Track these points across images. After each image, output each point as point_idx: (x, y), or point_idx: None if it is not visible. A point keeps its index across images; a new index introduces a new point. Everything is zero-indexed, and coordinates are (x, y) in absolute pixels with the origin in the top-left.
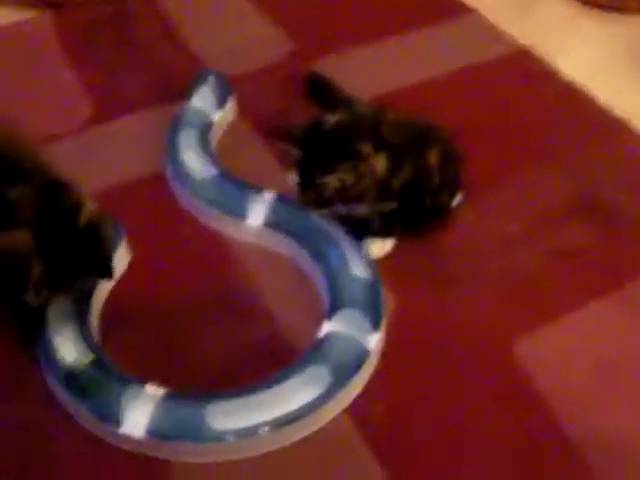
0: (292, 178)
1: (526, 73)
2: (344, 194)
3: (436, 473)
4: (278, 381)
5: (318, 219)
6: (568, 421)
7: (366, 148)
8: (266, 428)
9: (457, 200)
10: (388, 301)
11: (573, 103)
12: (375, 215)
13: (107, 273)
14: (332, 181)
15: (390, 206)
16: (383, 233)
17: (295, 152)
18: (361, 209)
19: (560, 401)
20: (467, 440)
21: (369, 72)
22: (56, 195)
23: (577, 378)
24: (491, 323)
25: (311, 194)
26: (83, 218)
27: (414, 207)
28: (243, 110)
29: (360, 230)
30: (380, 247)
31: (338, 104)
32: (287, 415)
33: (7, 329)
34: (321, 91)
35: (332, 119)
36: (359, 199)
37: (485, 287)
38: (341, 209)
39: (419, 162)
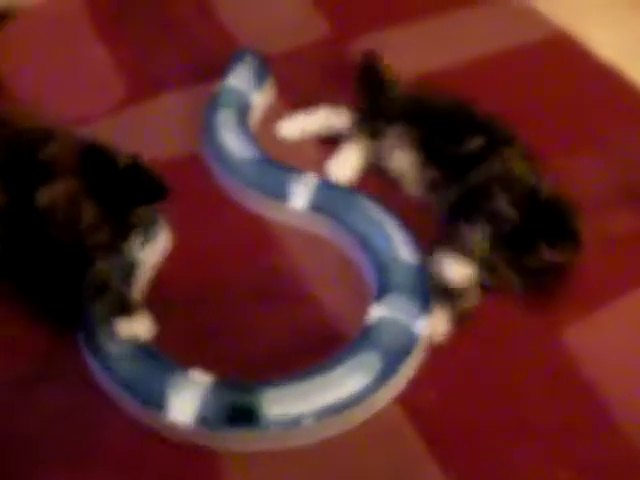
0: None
1: (564, 56)
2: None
3: (489, 461)
4: (329, 368)
5: (363, 201)
6: (620, 410)
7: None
8: (316, 416)
9: None
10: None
11: (613, 86)
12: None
13: (160, 194)
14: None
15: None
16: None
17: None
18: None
19: (611, 390)
20: (519, 428)
21: (405, 54)
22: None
23: (628, 366)
24: (539, 310)
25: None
26: (122, 160)
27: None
28: (281, 91)
29: None
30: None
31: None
32: (337, 403)
33: (48, 314)
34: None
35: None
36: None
37: None
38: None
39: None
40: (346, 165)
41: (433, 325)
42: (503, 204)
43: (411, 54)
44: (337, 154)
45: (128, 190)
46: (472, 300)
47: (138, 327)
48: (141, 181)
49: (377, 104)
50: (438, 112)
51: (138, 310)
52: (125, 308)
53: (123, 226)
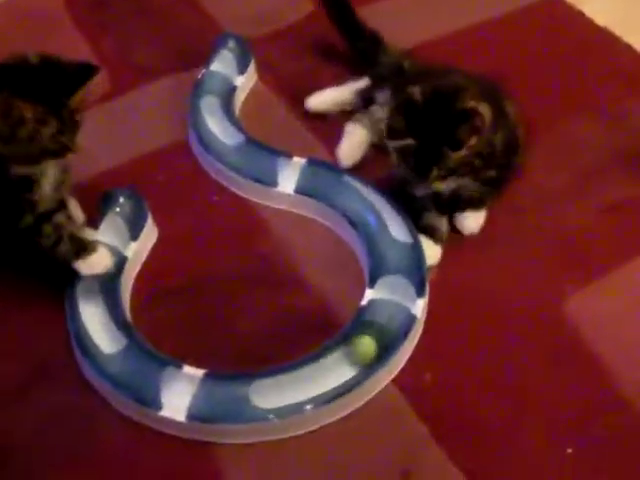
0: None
1: (560, 22)
2: (468, 159)
3: (490, 439)
4: (322, 355)
5: (353, 182)
6: (624, 381)
7: (472, 102)
8: (312, 404)
9: None
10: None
11: (609, 52)
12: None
13: (88, 72)
14: (464, 155)
15: (490, 174)
16: (478, 205)
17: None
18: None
19: (615, 360)
20: (520, 404)
21: (393, 26)
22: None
23: (630, 335)
24: (539, 280)
25: (436, 171)
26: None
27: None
28: (264, 73)
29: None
30: (476, 221)
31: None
32: (333, 390)
33: (38, 314)
34: (342, 15)
35: (415, 90)
36: (479, 157)
37: (531, 243)
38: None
39: (505, 119)
40: (352, 148)
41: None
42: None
43: (399, 26)
44: (342, 139)
45: (55, 80)
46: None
47: (97, 263)
48: (62, 68)
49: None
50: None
51: (94, 247)
52: (81, 249)
53: (68, 119)
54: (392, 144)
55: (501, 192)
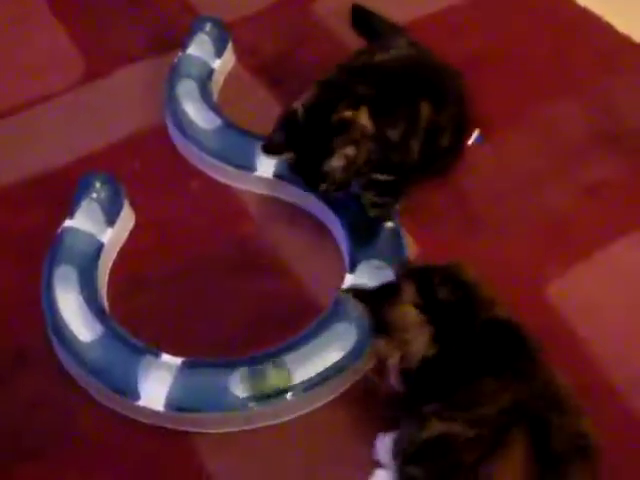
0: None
1: (539, 1)
2: (352, 168)
3: None
4: (302, 342)
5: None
6: (607, 362)
7: (347, 113)
8: (292, 392)
9: (477, 140)
10: (411, 249)
11: (590, 32)
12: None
13: None
14: (336, 162)
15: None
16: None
17: (289, 157)
18: (377, 175)
19: (597, 342)
20: None
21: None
22: None
23: (613, 318)
24: (521, 265)
25: (324, 185)
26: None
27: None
28: (242, 56)
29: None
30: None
31: (383, 33)
32: (314, 377)
33: (16, 301)
34: (365, 22)
35: (298, 105)
36: (367, 164)
37: (512, 228)
38: (359, 182)
39: (412, 114)
40: None
41: None
42: None
43: (382, 6)
44: None
45: None
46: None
47: None
48: None
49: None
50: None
51: None
52: None
53: None
54: (268, 156)
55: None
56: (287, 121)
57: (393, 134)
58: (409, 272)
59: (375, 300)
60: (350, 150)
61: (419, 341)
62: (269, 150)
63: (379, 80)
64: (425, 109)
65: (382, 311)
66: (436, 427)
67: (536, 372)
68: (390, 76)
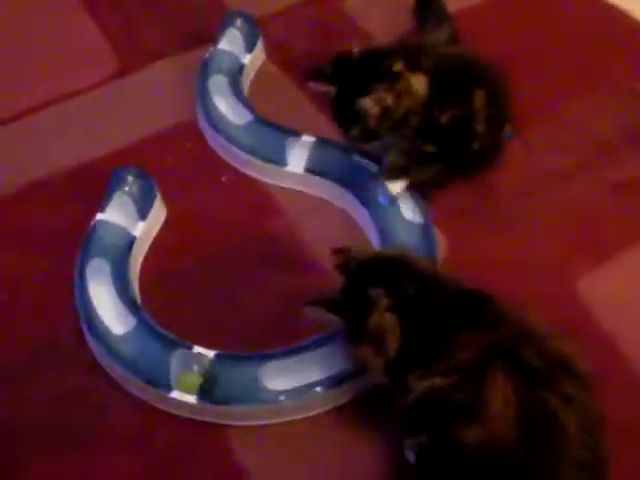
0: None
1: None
2: (388, 119)
3: None
4: (332, 338)
5: (362, 161)
6: (634, 358)
7: (398, 66)
8: (322, 386)
9: (507, 136)
10: (441, 246)
11: (617, 28)
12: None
13: None
14: (371, 105)
15: (430, 149)
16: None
17: (329, 89)
18: (403, 145)
19: (630, 342)
20: None
21: (405, 4)
22: None
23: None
24: (549, 261)
25: (356, 129)
26: None
27: (460, 150)
28: (272, 52)
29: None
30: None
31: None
32: (343, 372)
33: (48, 295)
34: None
35: (355, 49)
36: (405, 122)
37: (540, 224)
38: (387, 141)
39: (466, 104)
40: None
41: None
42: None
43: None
44: None
45: None
46: None
47: None
48: None
49: None
50: None
51: None
52: None
53: None
54: (311, 84)
55: (463, 169)
56: (339, 57)
57: (442, 116)
58: (368, 271)
59: (349, 310)
60: (388, 98)
61: (394, 340)
62: (311, 75)
63: (439, 62)
64: (480, 98)
65: (360, 321)
66: (420, 386)
67: (504, 318)
68: (449, 61)
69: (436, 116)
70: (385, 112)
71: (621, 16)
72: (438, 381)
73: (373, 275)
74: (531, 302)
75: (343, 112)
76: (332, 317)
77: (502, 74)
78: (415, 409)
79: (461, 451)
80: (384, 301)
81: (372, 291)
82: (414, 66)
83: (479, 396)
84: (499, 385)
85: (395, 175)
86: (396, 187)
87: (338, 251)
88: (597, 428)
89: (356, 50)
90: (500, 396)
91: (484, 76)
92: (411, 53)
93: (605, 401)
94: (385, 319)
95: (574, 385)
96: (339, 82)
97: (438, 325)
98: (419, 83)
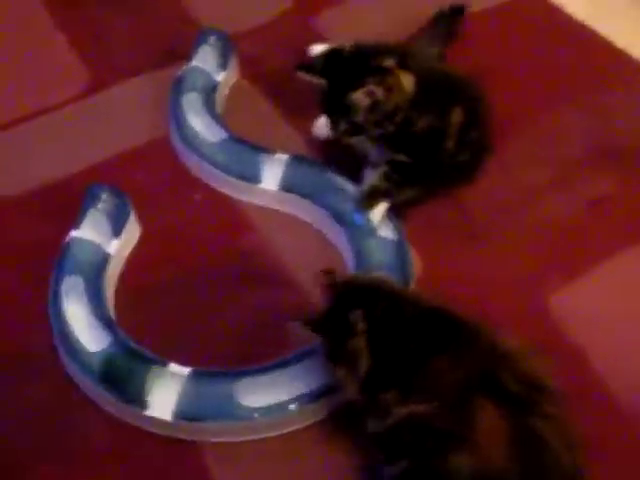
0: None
1: (536, 15)
2: (376, 113)
3: None
4: (307, 355)
5: (336, 178)
6: (611, 377)
7: (390, 62)
8: (297, 403)
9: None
10: (415, 261)
11: (586, 45)
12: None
13: None
14: (362, 98)
15: (402, 158)
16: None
17: (319, 82)
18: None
19: (601, 357)
20: None
21: (373, 23)
22: None
23: (615, 330)
24: (523, 277)
25: (343, 122)
26: None
27: (429, 162)
28: (246, 69)
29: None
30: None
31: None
32: (318, 389)
33: (22, 311)
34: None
35: (350, 43)
36: (391, 117)
37: (514, 240)
38: (374, 133)
39: (442, 116)
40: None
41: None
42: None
43: (380, 23)
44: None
45: None
46: None
47: None
48: None
49: None
50: None
51: None
52: None
53: None
54: (300, 74)
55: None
56: (332, 51)
57: (419, 121)
58: (352, 294)
59: (331, 331)
60: (379, 92)
61: (364, 359)
62: (303, 67)
63: (425, 70)
64: (457, 115)
65: (340, 343)
66: (399, 411)
67: (479, 340)
68: (434, 73)
69: (414, 120)
70: (374, 105)
71: (589, 34)
72: (417, 407)
73: (354, 298)
74: (505, 318)
75: (332, 105)
76: (314, 335)
77: (483, 94)
78: (393, 434)
79: (451, 477)
80: (361, 325)
81: (352, 315)
82: (403, 65)
83: (466, 422)
84: (488, 411)
85: (375, 199)
86: (377, 215)
87: (327, 272)
88: (577, 444)
89: (347, 45)
90: (489, 422)
91: (466, 94)
92: (399, 53)
93: (577, 416)
94: (359, 341)
95: (551, 404)
96: (330, 75)
97: (408, 345)
98: (408, 81)
